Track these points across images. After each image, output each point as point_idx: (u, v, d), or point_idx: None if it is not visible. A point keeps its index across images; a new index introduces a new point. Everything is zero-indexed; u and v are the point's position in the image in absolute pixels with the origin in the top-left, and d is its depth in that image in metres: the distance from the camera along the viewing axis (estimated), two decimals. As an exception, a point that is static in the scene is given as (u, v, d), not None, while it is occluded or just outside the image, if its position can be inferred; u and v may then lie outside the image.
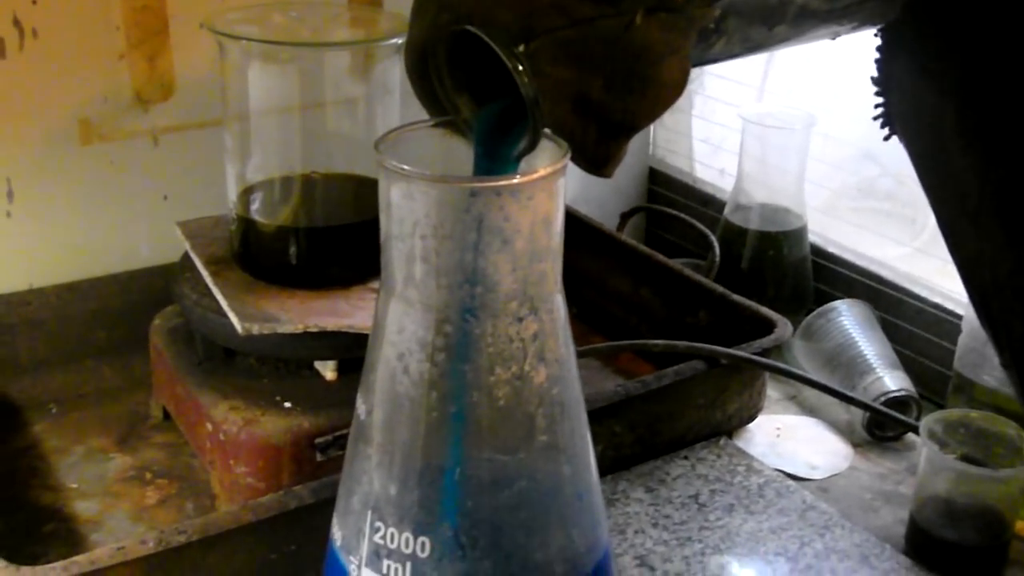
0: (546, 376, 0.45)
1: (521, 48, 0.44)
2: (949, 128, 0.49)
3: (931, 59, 0.50)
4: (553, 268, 0.45)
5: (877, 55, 0.54)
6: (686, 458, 0.79)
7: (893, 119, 0.54)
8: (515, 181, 0.42)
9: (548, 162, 0.44)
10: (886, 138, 0.55)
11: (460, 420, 0.45)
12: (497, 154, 0.47)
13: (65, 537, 0.74)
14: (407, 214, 0.43)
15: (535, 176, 0.42)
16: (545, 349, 0.45)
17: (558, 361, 0.46)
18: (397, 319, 0.45)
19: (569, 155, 0.44)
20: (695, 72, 1.12)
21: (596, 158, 0.47)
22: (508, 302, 0.44)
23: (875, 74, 0.54)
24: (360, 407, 0.47)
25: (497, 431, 0.45)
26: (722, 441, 0.81)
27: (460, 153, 0.48)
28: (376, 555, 0.46)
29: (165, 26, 0.88)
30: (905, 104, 0.53)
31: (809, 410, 0.89)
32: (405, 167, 0.42)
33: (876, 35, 0.53)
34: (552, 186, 0.43)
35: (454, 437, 0.45)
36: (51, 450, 0.84)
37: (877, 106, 0.55)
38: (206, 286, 0.78)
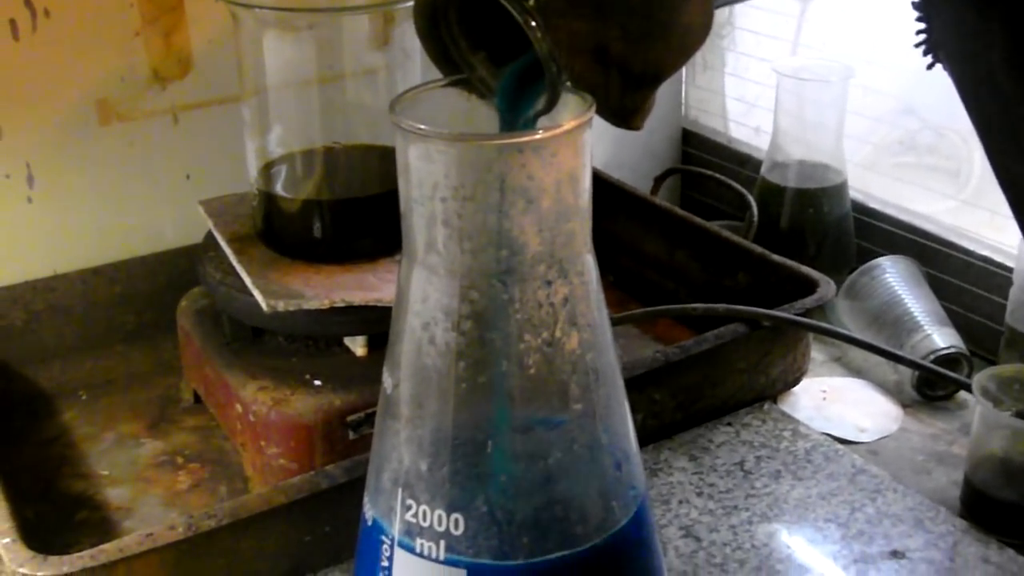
0: (579, 342, 0.43)
1: (531, 2, 0.42)
2: (997, 54, 0.46)
3: None
4: (582, 228, 0.43)
5: None
6: (730, 424, 0.77)
7: (936, 46, 0.52)
8: (537, 137, 0.40)
9: (572, 116, 0.41)
10: (929, 66, 0.52)
11: (490, 391, 0.43)
12: (521, 113, 0.45)
13: (97, 525, 0.73)
14: (426, 176, 0.41)
15: (558, 131, 0.40)
16: (576, 313, 0.43)
17: (591, 326, 0.44)
18: (421, 287, 0.43)
19: (594, 108, 0.42)
20: (726, 28, 1.10)
21: (622, 111, 0.44)
22: (536, 265, 0.41)
23: None
24: (387, 381, 0.45)
25: (529, 401, 0.43)
26: (766, 406, 0.79)
27: (480, 112, 0.46)
28: (409, 534, 0.44)
29: (180, 1, 0.86)
30: (948, 31, 0.50)
31: (856, 371, 0.86)
32: (422, 127, 0.40)
33: None
34: (577, 141, 0.41)
35: (484, 409, 0.43)
36: (82, 437, 0.82)
37: (919, 32, 0.52)
38: (230, 265, 0.76)
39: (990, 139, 0.50)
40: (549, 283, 0.42)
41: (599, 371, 0.44)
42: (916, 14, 0.52)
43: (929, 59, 0.52)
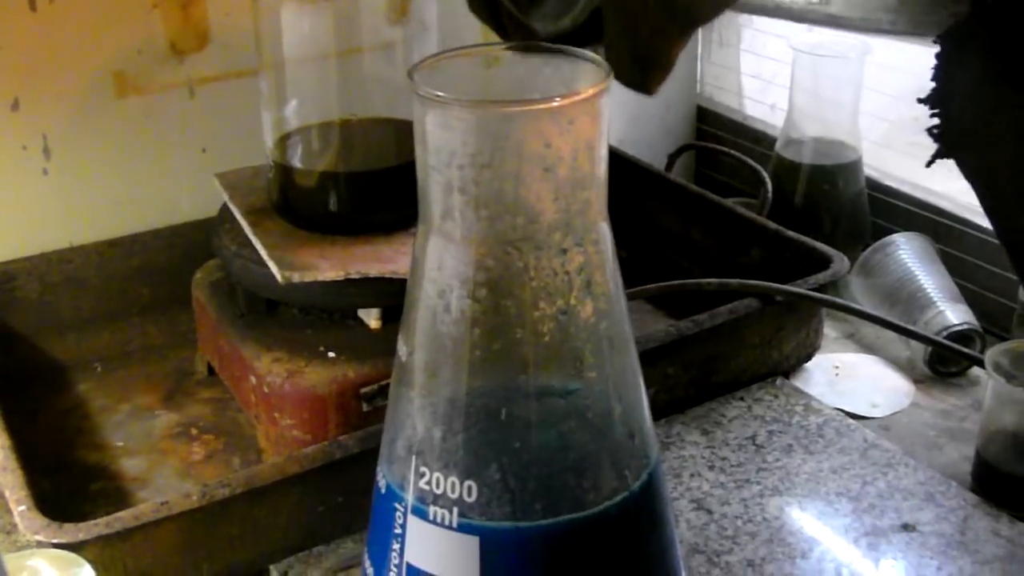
0: (593, 310, 0.43)
1: None
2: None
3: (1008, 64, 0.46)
4: (598, 197, 0.43)
5: (936, 64, 0.49)
6: (742, 399, 0.77)
7: (950, 137, 0.50)
8: (555, 104, 0.40)
9: (589, 83, 0.41)
10: (928, 163, 0.51)
11: (505, 358, 0.43)
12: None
13: (112, 495, 0.74)
14: (443, 143, 0.41)
15: (576, 98, 0.40)
16: (592, 282, 0.43)
17: (605, 295, 0.44)
18: (436, 255, 0.43)
19: (611, 76, 0.42)
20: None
21: (646, 59, 0.43)
22: (551, 233, 0.42)
23: (932, 86, 0.50)
24: (401, 349, 0.45)
25: (543, 368, 0.43)
26: (779, 381, 0.79)
27: (498, 81, 0.46)
28: (422, 501, 0.44)
29: (197, -27, 0.86)
30: (969, 119, 0.48)
31: (868, 347, 0.86)
32: (440, 93, 0.40)
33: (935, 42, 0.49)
34: (594, 109, 0.41)
35: (499, 376, 0.43)
36: (97, 409, 0.83)
37: (934, 128, 0.50)
38: (246, 237, 0.76)
39: (1008, 230, 0.49)
40: (564, 251, 0.42)
41: (613, 340, 0.45)
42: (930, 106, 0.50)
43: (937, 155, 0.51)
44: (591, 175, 0.42)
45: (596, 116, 0.41)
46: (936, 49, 0.47)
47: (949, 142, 0.49)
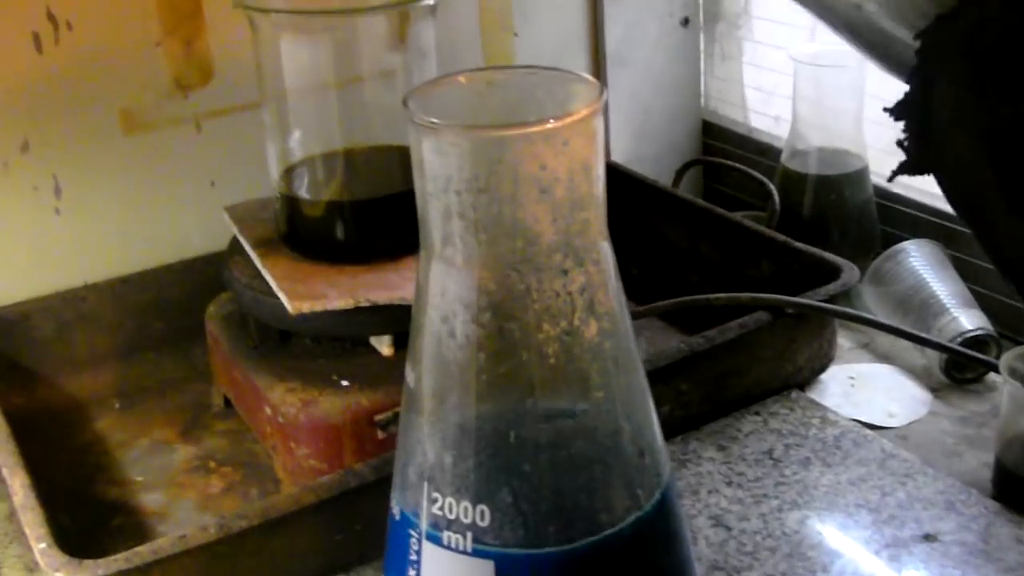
0: (597, 330, 0.43)
1: None
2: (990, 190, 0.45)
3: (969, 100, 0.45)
4: (597, 216, 0.43)
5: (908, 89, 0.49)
6: (757, 413, 0.77)
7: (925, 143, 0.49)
8: (549, 126, 0.40)
9: (582, 104, 0.41)
10: (891, 177, 0.50)
11: (511, 381, 0.43)
12: None
13: (132, 531, 0.74)
14: (440, 169, 0.41)
15: (570, 119, 0.40)
16: (594, 302, 0.43)
17: (608, 314, 0.44)
18: (439, 281, 0.43)
19: (605, 94, 0.42)
20: (743, 17, 1.09)
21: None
22: (552, 254, 0.42)
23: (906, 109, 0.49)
24: (409, 376, 0.45)
25: (550, 390, 0.43)
26: (793, 394, 0.79)
27: (494, 105, 0.46)
28: (436, 526, 0.44)
29: (199, 9, 0.87)
30: (945, 122, 0.48)
31: (883, 357, 0.86)
32: (433, 120, 0.40)
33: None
34: (589, 129, 0.41)
35: (506, 400, 0.43)
36: (115, 444, 0.83)
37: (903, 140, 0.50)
38: (256, 269, 0.76)
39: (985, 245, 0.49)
40: (565, 272, 0.42)
41: (619, 359, 0.45)
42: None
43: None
44: (589, 195, 0.42)
45: (591, 136, 0.41)
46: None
47: (923, 150, 0.48)
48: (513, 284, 0.42)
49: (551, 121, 0.40)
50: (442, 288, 0.43)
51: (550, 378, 0.43)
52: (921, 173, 0.49)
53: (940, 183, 0.49)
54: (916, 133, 0.48)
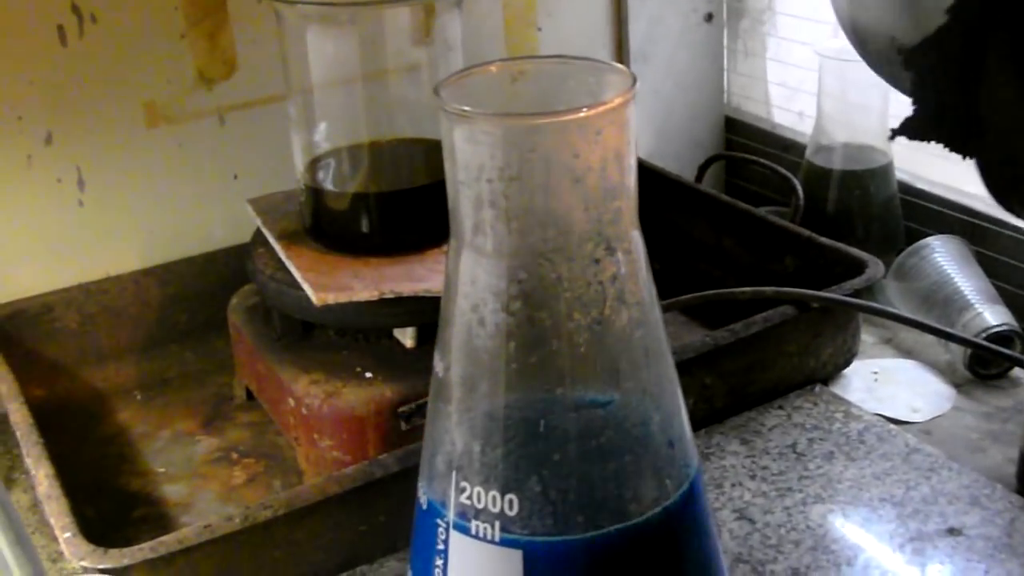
0: (628, 319, 0.43)
1: None
2: None
3: None
4: (628, 205, 0.43)
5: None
6: (781, 408, 0.76)
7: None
8: (582, 115, 0.40)
9: (615, 93, 0.41)
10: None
11: (541, 370, 0.43)
12: None
13: (155, 521, 0.74)
14: (472, 158, 0.41)
15: (603, 108, 0.40)
16: (625, 291, 0.43)
17: (639, 303, 0.44)
18: (469, 270, 0.43)
19: (636, 84, 0.42)
20: (767, 13, 1.09)
21: None
22: (583, 243, 0.42)
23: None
24: (438, 365, 0.45)
25: (580, 380, 0.43)
26: (817, 388, 0.78)
27: (524, 94, 0.46)
28: (463, 516, 0.44)
29: (223, 1, 0.87)
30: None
31: (907, 352, 0.85)
32: (466, 108, 0.40)
33: None
34: (621, 118, 0.41)
35: (536, 389, 0.43)
36: (138, 436, 0.83)
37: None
38: (280, 261, 0.77)
39: None
40: (597, 261, 0.42)
41: (648, 348, 0.44)
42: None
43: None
44: (621, 184, 0.42)
45: (623, 125, 0.41)
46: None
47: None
48: (544, 273, 0.42)
49: (584, 110, 0.40)
50: (472, 277, 0.43)
51: (580, 367, 0.43)
52: (925, 138, 0.50)
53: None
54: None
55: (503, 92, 0.46)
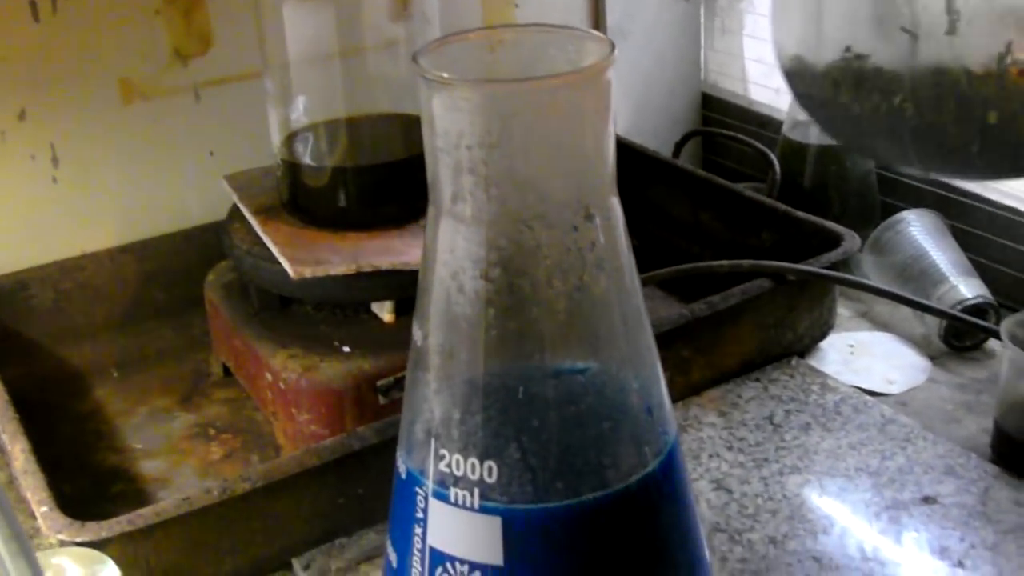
0: (606, 286, 0.43)
1: None
2: None
3: None
4: (607, 172, 0.43)
5: None
6: (758, 380, 0.77)
7: None
8: (561, 80, 0.40)
9: (594, 59, 0.41)
10: None
11: (520, 337, 0.43)
12: None
13: (133, 497, 0.74)
14: (451, 125, 0.41)
15: (582, 74, 0.40)
16: (604, 258, 0.43)
17: (618, 270, 0.44)
18: (448, 237, 0.43)
19: (615, 50, 0.42)
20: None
21: None
22: (563, 210, 0.42)
23: None
24: (416, 333, 0.45)
25: (559, 346, 0.44)
26: (794, 361, 0.79)
27: (503, 63, 0.46)
28: (443, 484, 0.44)
29: (198, -23, 0.87)
30: None
31: (882, 325, 0.86)
32: (445, 75, 0.40)
33: None
34: (600, 84, 0.41)
35: (515, 355, 0.43)
36: (114, 413, 0.83)
37: None
38: (256, 236, 0.76)
39: None
40: (576, 228, 0.42)
41: (627, 316, 0.45)
42: None
43: None
44: (600, 151, 0.42)
45: (602, 91, 0.41)
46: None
47: None
48: (523, 240, 0.42)
49: (564, 75, 0.40)
50: (451, 245, 0.43)
51: (559, 334, 0.43)
52: None
53: None
54: None
55: (482, 61, 0.46)
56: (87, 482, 0.76)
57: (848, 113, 0.59)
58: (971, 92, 0.52)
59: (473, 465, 0.44)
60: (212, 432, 0.80)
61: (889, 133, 0.57)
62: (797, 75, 0.62)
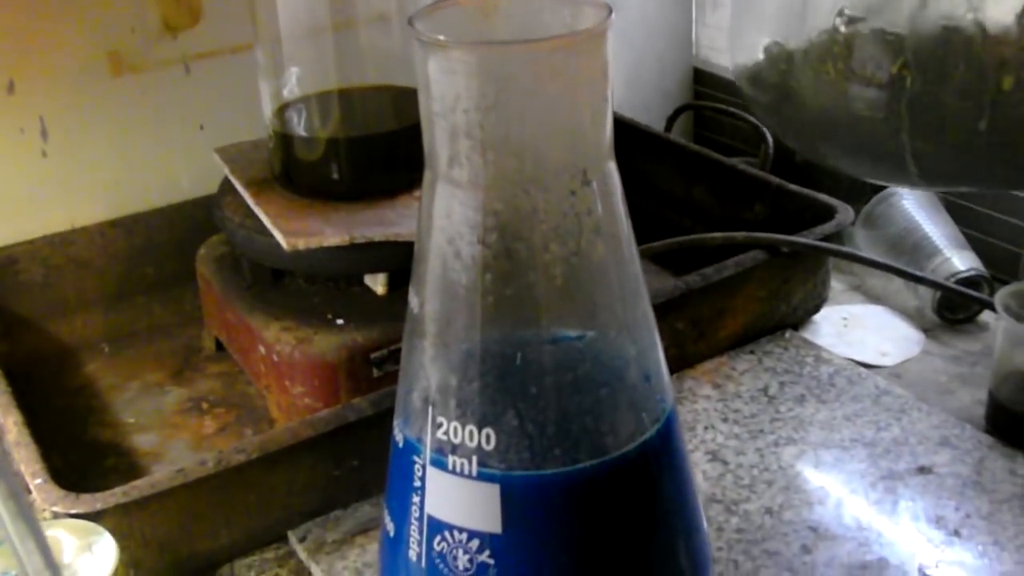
0: (604, 252, 0.43)
1: None
2: None
3: None
4: (604, 137, 0.43)
5: None
6: (752, 352, 0.77)
7: None
8: (558, 43, 0.40)
9: (592, 22, 0.41)
10: None
11: (517, 303, 0.43)
12: None
13: (126, 471, 0.74)
14: (447, 88, 0.40)
15: (579, 37, 0.40)
16: (601, 223, 0.43)
17: (615, 235, 0.44)
18: (445, 202, 0.42)
19: (612, 14, 0.42)
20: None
21: None
22: (560, 174, 0.41)
23: None
24: (412, 301, 0.45)
25: (557, 312, 0.43)
26: (788, 334, 0.79)
27: (498, 29, 0.46)
28: (440, 452, 0.44)
29: (188, -52, 0.86)
30: None
31: (875, 298, 0.86)
32: (442, 37, 0.40)
33: None
34: (598, 47, 0.41)
35: (512, 322, 0.43)
36: (106, 388, 0.83)
37: None
38: (248, 208, 0.76)
39: None
40: (573, 192, 0.42)
41: (624, 282, 0.44)
42: None
43: None
44: (597, 114, 0.42)
45: (600, 55, 0.41)
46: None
47: None
48: (520, 204, 0.41)
49: (561, 38, 0.40)
50: (448, 210, 0.42)
51: (557, 300, 0.43)
52: None
53: None
54: None
55: (476, 26, 0.46)
56: (80, 457, 0.75)
57: (824, 106, 0.57)
58: (984, 53, 0.50)
59: (471, 432, 0.43)
60: (205, 406, 0.79)
61: (880, 124, 0.55)
62: (767, 70, 0.61)
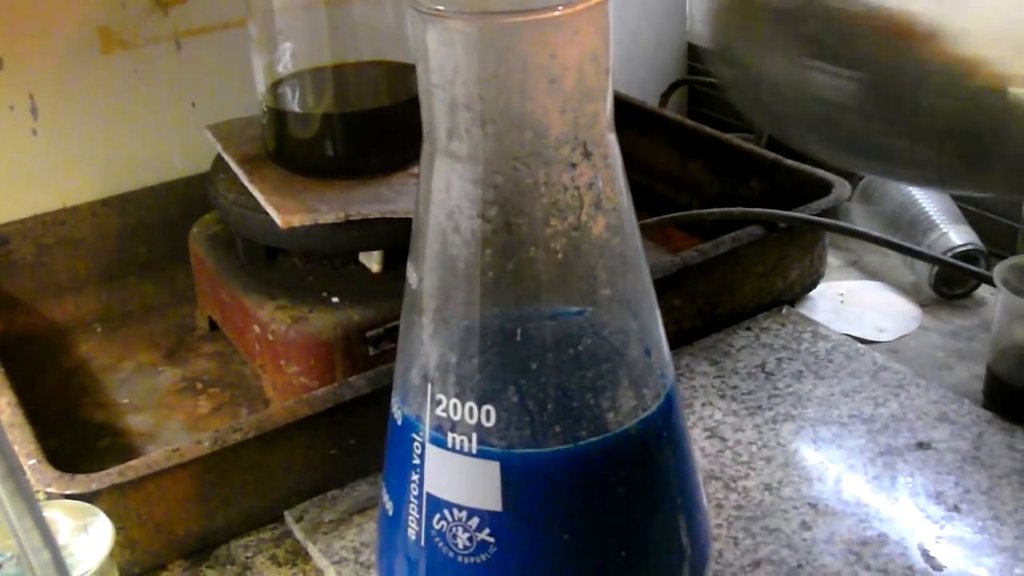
0: (605, 226, 0.43)
1: None
2: None
3: None
4: (605, 108, 0.42)
5: None
6: (749, 329, 0.76)
7: None
8: (559, 13, 0.39)
9: (593, -8, 0.40)
10: None
11: (518, 278, 0.42)
12: None
13: (120, 451, 0.73)
14: (446, 59, 0.40)
15: (580, 6, 0.39)
16: (602, 197, 0.42)
17: (616, 209, 0.43)
18: (444, 176, 0.42)
19: (614, -16, 0.41)
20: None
21: None
22: (560, 147, 0.41)
23: None
24: (411, 276, 0.45)
25: (557, 287, 0.43)
26: (785, 310, 0.78)
27: (497, 3, 0.45)
28: (440, 429, 0.44)
29: (178, -77, 0.85)
30: None
31: (872, 274, 0.86)
32: (441, 7, 0.39)
33: None
34: (599, 18, 0.40)
35: (512, 297, 0.43)
36: (100, 368, 0.82)
37: None
38: (242, 186, 0.75)
39: None
40: (574, 165, 0.41)
41: (625, 256, 0.44)
42: None
43: None
44: (598, 86, 0.41)
45: (601, 25, 0.40)
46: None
47: None
48: (520, 178, 0.41)
49: (560, 8, 0.39)
50: (447, 184, 0.42)
51: (557, 274, 0.43)
52: None
53: None
54: None
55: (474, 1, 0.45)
56: (73, 437, 0.75)
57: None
58: None
59: (471, 409, 0.43)
60: (199, 386, 0.79)
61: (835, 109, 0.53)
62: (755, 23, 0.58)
